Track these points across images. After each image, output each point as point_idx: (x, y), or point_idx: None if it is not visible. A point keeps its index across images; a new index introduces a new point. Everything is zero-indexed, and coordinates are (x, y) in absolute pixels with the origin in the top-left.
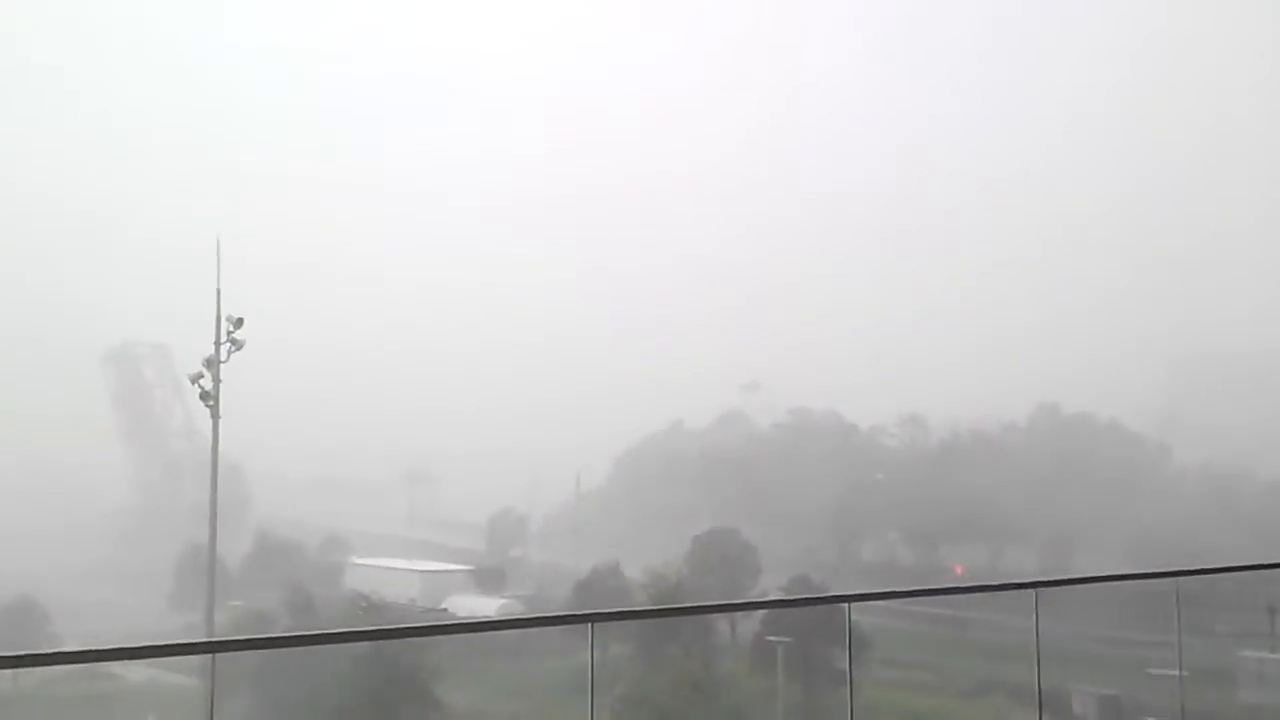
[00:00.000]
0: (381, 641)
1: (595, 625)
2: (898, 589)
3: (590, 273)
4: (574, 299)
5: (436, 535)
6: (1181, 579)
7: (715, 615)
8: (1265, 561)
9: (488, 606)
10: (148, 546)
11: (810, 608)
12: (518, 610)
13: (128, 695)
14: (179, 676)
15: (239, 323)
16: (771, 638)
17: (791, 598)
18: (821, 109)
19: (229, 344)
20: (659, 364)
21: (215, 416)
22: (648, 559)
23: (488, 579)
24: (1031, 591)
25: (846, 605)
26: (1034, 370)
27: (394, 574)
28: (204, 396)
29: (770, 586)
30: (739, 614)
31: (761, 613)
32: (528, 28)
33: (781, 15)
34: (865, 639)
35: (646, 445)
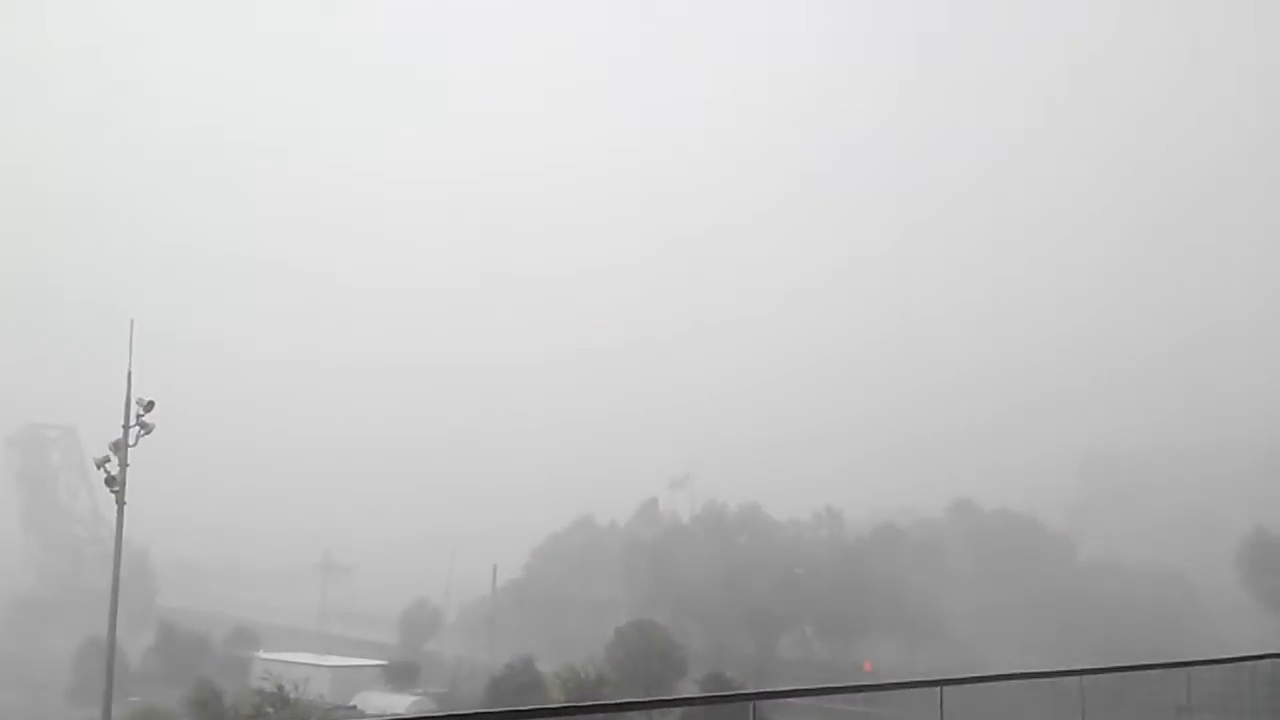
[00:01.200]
0: None
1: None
2: (803, 687)
3: (510, 364)
4: (493, 390)
5: (347, 628)
6: (1087, 677)
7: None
8: (1172, 660)
9: (399, 704)
10: (48, 638)
11: (729, 707)
12: (429, 708)
13: None
14: None
15: (149, 406)
16: None
17: (695, 695)
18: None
19: (138, 428)
20: (579, 456)
21: (120, 503)
22: (566, 654)
23: (399, 674)
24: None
25: (752, 705)
26: (951, 467)
27: (302, 669)
28: (109, 482)
29: (688, 683)
30: (659, 715)
31: (678, 714)
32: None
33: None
34: None
35: (565, 537)
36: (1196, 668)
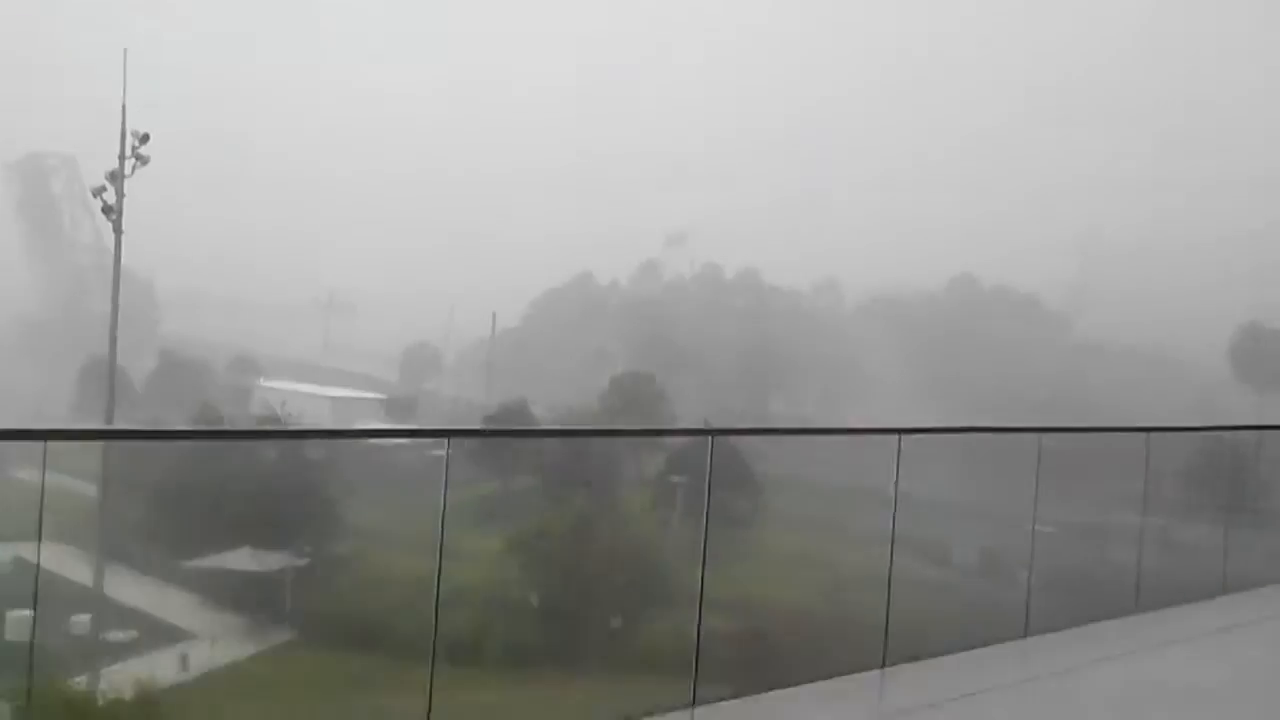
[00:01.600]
0: (289, 462)
1: (453, 441)
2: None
3: (520, 111)
4: (503, 139)
5: (349, 363)
6: (1045, 435)
7: (625, 456)
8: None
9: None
10: (52, 359)
11: (716, 451)
12: (421, 441)
13: (27, 498)
14: (80, 483)
15: (144, 138)
16: (674, 478)
17: (657, 428)
18: None
19: (134, 159)
20: (580, 211)
21: (118, 230)
22: (560, 398)
23: (397, 408)
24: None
25: (710, 438)
26: (953, 243)
27: (303, 398)
28: (106, 210)
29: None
30: (646, 455)
31: (666, 455)
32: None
33: None
34: (762, 484)
35: (565, 290)
36: (1159, 434)
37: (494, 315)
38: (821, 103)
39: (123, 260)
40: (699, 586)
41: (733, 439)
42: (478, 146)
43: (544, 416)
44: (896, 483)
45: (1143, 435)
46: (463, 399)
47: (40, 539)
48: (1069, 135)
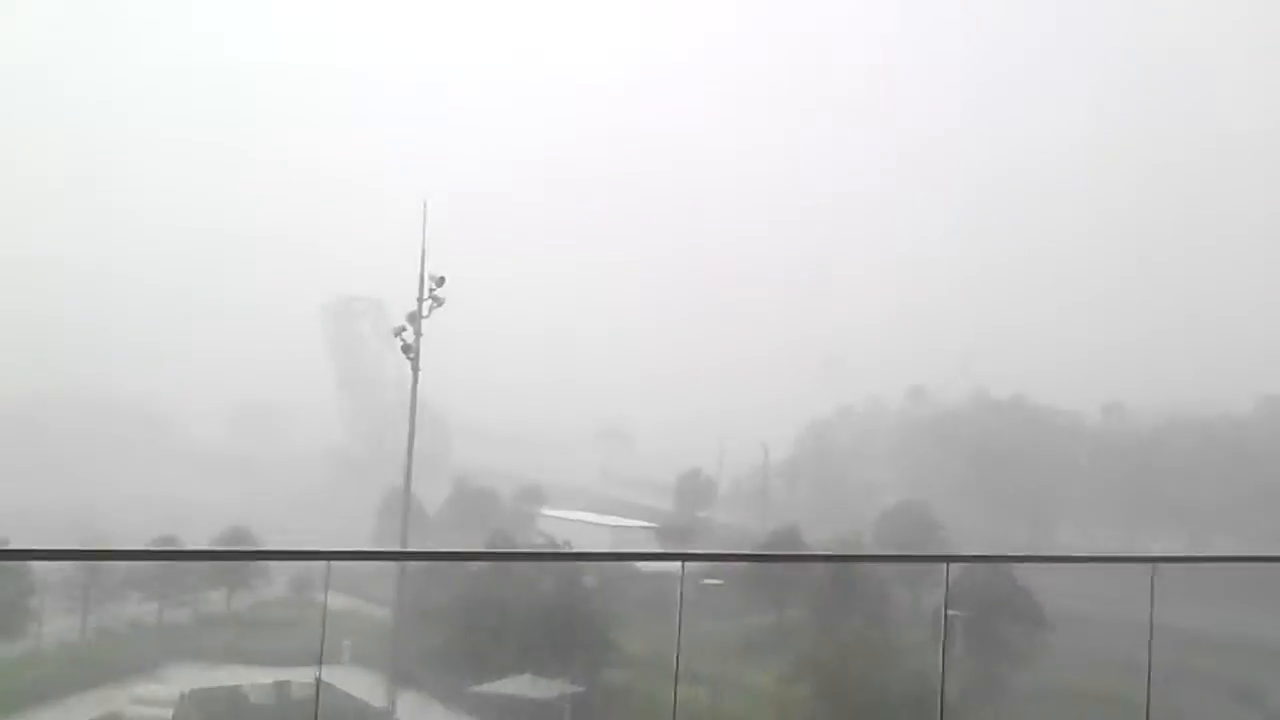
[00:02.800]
0: (567, 589)
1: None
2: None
3: (786, 243)
4: (769, 266)
5: (626, 493)
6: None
7: (897, 585)
8: None
9: (672, 564)
10: (356, 491)
11: (997, 583)
12: (699, 568)
13: (329, 622)
14: (377, 608)
15: (441, 281)
16: (952, 611)
17: (884, 554)
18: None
19: (430, 301)
20: (855, 338)
21: (415, 369)
22: (831, 529)
23: (671, 537)
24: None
25: (946, 565)
26: (1256, 357)
27: (583, 526)
28: (406, 349)
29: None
30: (921, 586)
31: (942, 587)
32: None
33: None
34: (1043, 618)
35: (834, 419)
36: None
37: (765, 444)
38: (1100, 212)
39: (421, 395)
40: None
41: (1016, 569)
42: (737, 268)
43: (815, 545)
44: (1151, 614)
45: None
46: (736, 527)
47: (321, 660)
48: None
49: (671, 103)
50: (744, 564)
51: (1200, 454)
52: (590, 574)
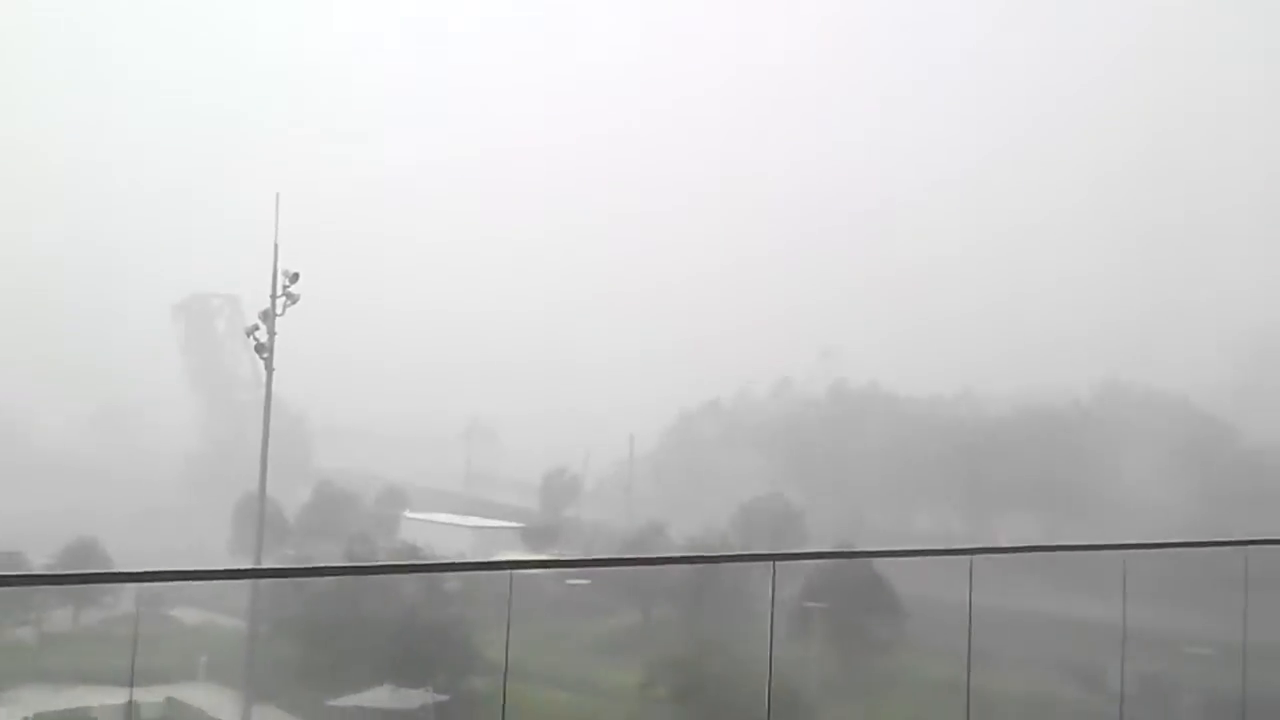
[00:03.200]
0: (429, 595)
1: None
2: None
3: (652, 235)
4: (640, 264)
5: (490, 493)
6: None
7: (757, 579)
8: None
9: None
10: (212, 494)
11: (854, 575)
12: (563, 571)
13: (182, 637)
14: (232, 620)
15: (294, 277)
16: (809, 604)
17: (712, 554)
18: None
19: (284, 298)
20: (715, 330)
21: (270, 368)
22: (696, 523)
23: (536, 537)
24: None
25: (772, 565)
26: (1097, 346)
27: (446, 529)
28: (259, 349)
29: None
30: (782, 579)
31: (801, 579)
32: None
33: None
34: (899, 607)
35: (701, 411)
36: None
37: (632, 438)
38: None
39: (278, 396)
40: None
41: (875, 561)
42: (603, 263)
43: (680, 542)
44: (970, 605)
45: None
46: (603, 525)
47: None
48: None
49: (520, 94)
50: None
51: (1046, 440)
52: (452, 579)
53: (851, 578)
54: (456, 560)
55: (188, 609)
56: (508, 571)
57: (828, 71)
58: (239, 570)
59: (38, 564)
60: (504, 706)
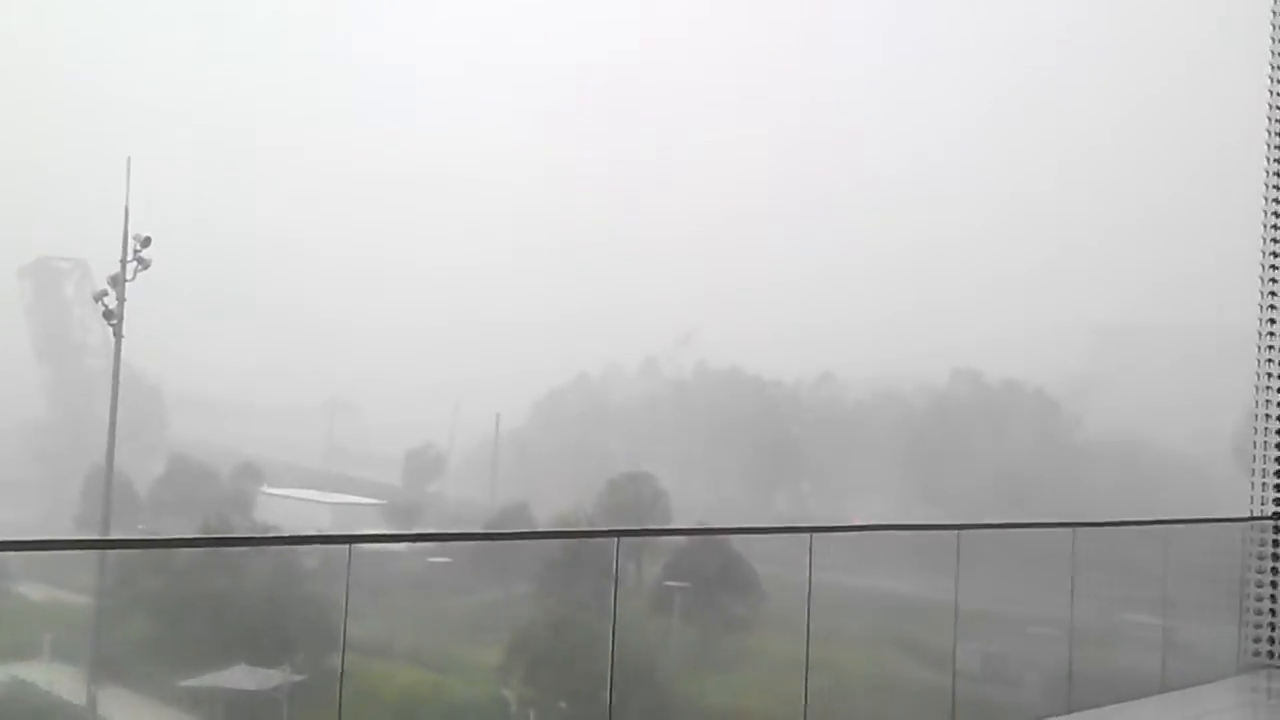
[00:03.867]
0: (285, 573)
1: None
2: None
3: (524, 208)
4: (509, 235)
5: (352, 468)
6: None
7: (621, 559)
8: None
9: (395, 543)
10: (59, 465)
11: (715, 555)
12: (426, 546)
13: (28, 614)
14: (80, 597)
15: (146, 241)
16: (671, 583)
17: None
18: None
19: (135, 263)
20: (585, 307)
21: (118, 335)
22: (562, 500)
23: (398, 514)
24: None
25: (615, 540)
26: (953, 335)
27: (304, 505)
28: (107, 315)
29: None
30: (644, 559)
31: (664, 558)
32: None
33: None
34: (758, 586)
35: (569, 388)
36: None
37: (498, 415)
38: (821, 195)
39: (130, 365)
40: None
41: (734, 539)
42: (474, 234)
43: (543, 519)
44: (810, 580)
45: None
46: (467, 502)
47: None
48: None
49: (395, 54)
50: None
51: (902, 423)
52: (311, 556)
53: (713, 558)
54: (299, 534)
55: (33, 584)
56: (353, 546)
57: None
58: (84, 540)
59: None
60: (340, 681)
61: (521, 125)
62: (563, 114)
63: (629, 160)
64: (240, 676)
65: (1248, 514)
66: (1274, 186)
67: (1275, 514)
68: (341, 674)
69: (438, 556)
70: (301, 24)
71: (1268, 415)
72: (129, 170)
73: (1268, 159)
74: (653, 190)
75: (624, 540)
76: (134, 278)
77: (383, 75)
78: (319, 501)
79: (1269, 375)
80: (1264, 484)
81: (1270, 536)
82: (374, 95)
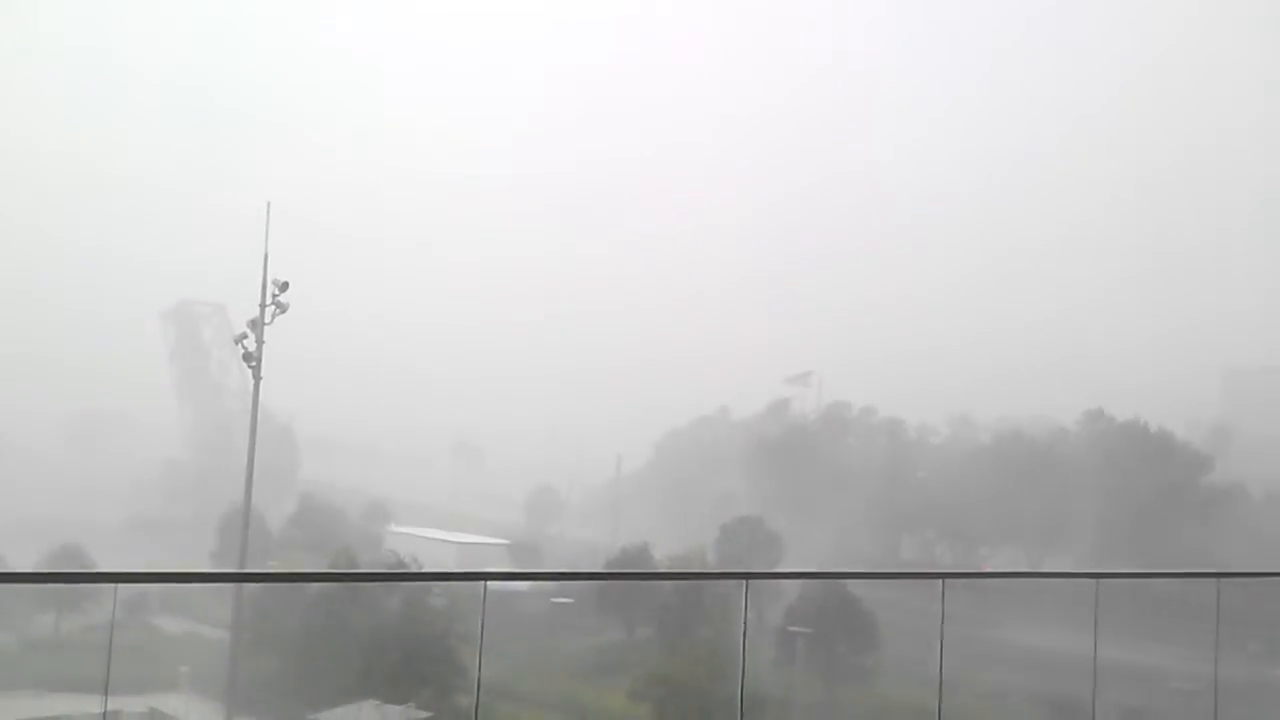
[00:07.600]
0: (414, 610)
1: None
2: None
3: (645, 253)
4: (628, 283)
5: (476, 508)
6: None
7: (737, 598)
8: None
9: (520, 582)
10: (198, 503)
11: (833, 603)
12: (548, 587)
13: (165, 646)
14: (215, 631)
15: (284, 286)
16: (793, 628)
17: (686, 571)
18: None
19: (274, 307)
20: (706, 350)
21: (257, 378)
22: (679, 543)
23: (522, 553)
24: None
25: (744, 583)
26: (1085, 378)
27: (431, 544)
28: (246, 357)
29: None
30: (765, 603)
31: (786, 603)
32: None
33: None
34: (879, 633)
35: (689, 430)
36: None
37: (619, 456)
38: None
39: (266, 406)
40: None
41: (856, 585)
42: (590, 284)
43: (664, 561)
44: (942, 626)
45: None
46: (587, 543)
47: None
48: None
49: (519, 109)
50: (593, 582)
51: (1032, 467)
52: (438, 594)
53: (833, 603)
54: (433, 571)
55: (170, 618)
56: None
57: (819, 107)
58: (220, 574)
59: (21, 570)
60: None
61: (650, 175)
62: (698, 161)
63: (756, 209)
64: (368, 713)
65: None
66: None
67: None
68: (477, 708)
69: (560, 597)
70: (451, 81)
71: None
72: (268, 215)
73: None
74: (776, 232)
75: (737, 580)
76: (272, 321)
77: (535, 120)
78: (446, 540)
79: None
80: None
81: None
82: (514, 143)
